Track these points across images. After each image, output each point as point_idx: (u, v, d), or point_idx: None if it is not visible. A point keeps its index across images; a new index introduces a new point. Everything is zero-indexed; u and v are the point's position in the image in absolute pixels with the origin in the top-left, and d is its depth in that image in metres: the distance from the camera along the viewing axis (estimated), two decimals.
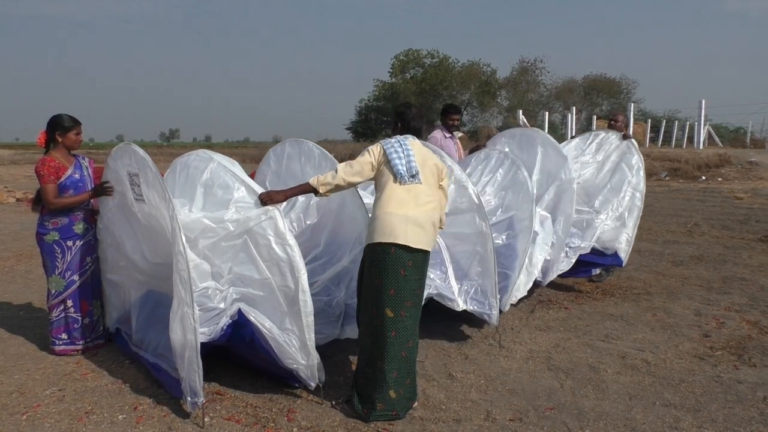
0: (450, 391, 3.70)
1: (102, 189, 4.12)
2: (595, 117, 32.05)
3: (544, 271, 5.25)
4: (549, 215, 5.34)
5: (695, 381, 3.80)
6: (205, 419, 3.30)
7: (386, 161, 3.42)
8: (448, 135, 6.22)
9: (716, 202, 12.34)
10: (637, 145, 6.17)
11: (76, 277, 4.19)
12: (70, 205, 4.13)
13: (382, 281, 3.29)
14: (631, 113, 23.04)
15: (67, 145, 4.14)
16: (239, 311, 3.49)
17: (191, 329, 3.16)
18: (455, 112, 6.31)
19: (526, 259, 4.78)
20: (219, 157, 3.86)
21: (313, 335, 3.38)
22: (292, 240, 3.38)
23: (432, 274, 4.32)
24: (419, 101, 46.80)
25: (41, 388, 3.74)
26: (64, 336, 4.22)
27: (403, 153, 3.43)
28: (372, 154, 3.43)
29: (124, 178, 3.91)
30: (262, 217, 3.43)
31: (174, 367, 3.50)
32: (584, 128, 34.42)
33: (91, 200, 4.25)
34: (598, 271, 6.16)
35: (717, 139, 25.19)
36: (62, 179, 4.08)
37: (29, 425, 3.27)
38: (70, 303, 4.19)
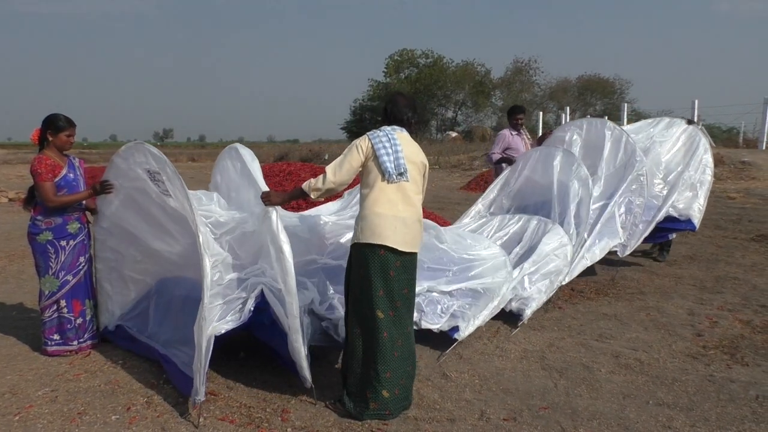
0: (444, 390, 3.70)
1: (102, 187, 4.15)
2: (589, 117, 32.12)
3: (624, 247, 6.01)
4: (627, 203, 6.09)
5: (688, 380, 3.81)
6: (200, 419, 3.29)
7: (374, 157, 3.33)
8: (514, 132, 7.00)
9: (709, 202, 12.35)
10: (700, 130, 7.04)
11: (70, 277, 4.17)
12: (70, 203, 4.12)
13: (372, 282, 3.28)
14: (625, 113, 23.11)
15: (57, 145, 4.11)
16: (262, 292, 3.53)
17: (199, 329, 3.23)
18: (519, 112, 7.09)
19: (582, 251, 5.63)
20: (244, 151, 3.97)
21: (300, 337, 3.36)
22: (285, 243, 3.38)
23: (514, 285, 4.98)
24: None
25: (33, 388, 3.72)
26: (56, 336, 4.20)
27: (392, 149, 3.33)
28: (360, 150, 3.34)
29: (142, 175, 3.93)
30: (266, 215, 3.49)
31: (183, 361, 3.63)
32: None
33: (85, 199, 4.25)
34: (674, 235, 6.95)
35: (710, 138, 25.25)
36: (58, 178, 4.06)
37: (21, 426, 3.25)
38: (63, 303, 4.17)
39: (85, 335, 4.30)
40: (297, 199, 3.62)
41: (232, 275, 3.60)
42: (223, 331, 3.39)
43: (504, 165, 6.83)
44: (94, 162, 28.47)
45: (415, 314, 4.20)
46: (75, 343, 4.24)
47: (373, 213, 3.28)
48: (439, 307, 4.51)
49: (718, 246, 7.96)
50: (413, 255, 3.41)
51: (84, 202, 4.25)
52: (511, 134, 6.96)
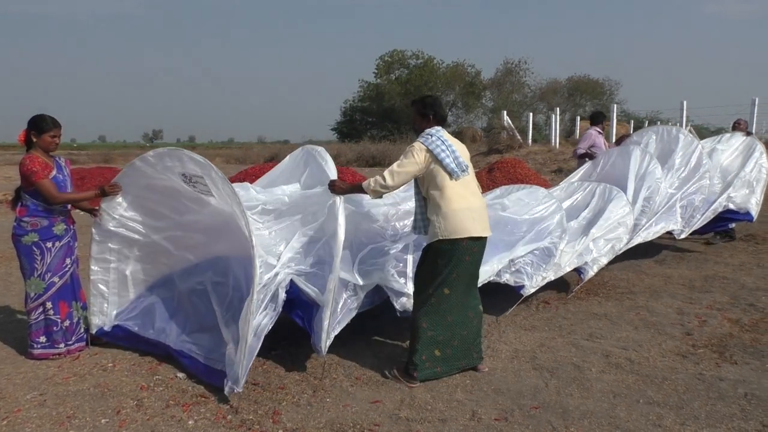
0: (435, 391, 3.70)
1: (111, 189, 4.22)
2: (578, 118, 32.22)
3: (680, 231, 6.94)
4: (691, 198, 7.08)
5: (678, 379, 3.83)
6: (190, 422, 3.28)
7: (435, 160, 3.66)
8: (601, 132, 8.09)
9: None
10: (757, 139, 8.25)
11: (56, 279, 4.13)
12: (74, 201, 4.17)
13: (451, 269, 3.70)
14: (614, 114, 23.19)
15: (41, 146, 4.07)
16: (291, 281, 3.90)
17: (246, 323, 3.48)
18: (606, 118, 8.59)
19: (639, 230, 6.47)
20: (318, 150, 4.50)
21: (329, 312, 3.73)
22: (341, 227, 3.81)
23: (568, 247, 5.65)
24: (404, 102, 46.85)
25: (22, 392, 3.68)
26: (42, 339, 4.16)
27: (448, 149, 3.68)
28: (417, 157, 3.66)
29: (173, 177, 4.04)
30: (330, 201, 3.98)
31: (204, 354, 3.89)
32: (568, 129, 34.59)
33: (75, 202, 4.22)
34: (733, 225, 8.01)
35: (699, 139, 25.46)
36: (50, 177, 4.03)
37: (10, 430, 3.21)
38: (49, 305, 4.12)
39: (73, 338, 4.26)
40: (356, 193, 3.99)
41: (270, 273, 3.87)
42: (270, 327, 3.72)
43: (586, 159, 7.79)
44: (83, 163, 28.27)
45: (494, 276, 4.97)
46: (62, 345, 4.20)
47: (452, 210, 3.65)
48: (511, 263, 5.16)
49: (707, 245, 8.02)
50: (486, 238, 3.84)
51: (69, 205, 4.21)
52: (598, 133, 8.00)
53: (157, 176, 4.13)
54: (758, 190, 7.68)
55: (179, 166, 3.94)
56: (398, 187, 3.78)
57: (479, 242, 3.78)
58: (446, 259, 3.69)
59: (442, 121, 3.87)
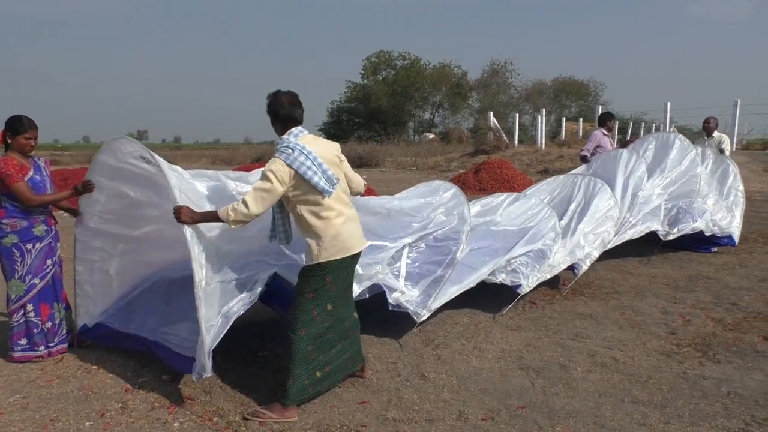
0: (422, 391, 3.71)
1: (84, 187, 4.10)
2: (564, 119, 32.46)
3: (666, 233, 7.16)
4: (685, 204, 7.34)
5: (662, 378, 3.87)
6: (175, 424, 3.26)
7: (301, 179, 3.25)
8: (606, 134, 8.24)
9: None
10: (728, 156, 8.57)
11: (36, 281, 4.07)
12: (50, 202, 4.09)
13: (349, 285, 3.67)
14: (598, 115, 23.46)
15: (16, 148, 4.02)
16: (275, 274, 3.82)
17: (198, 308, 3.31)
18: (612, 118, 8.61)
19: (625, 227, 6.73)
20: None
21: None
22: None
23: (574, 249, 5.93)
24: (391, 102, 46.97)
25: (4, 395, 3.63)
26: (23, 342, 4.11)
27: (314, 163, 3.27)
28: (281, 179, 3.21)
29: (136, 162, 3.88)
30: None
31: (176, 343, 3.83)
32: (554, 130, 34.82)
33: (51, 203, 4.16)
34: (716, 249, 7.83)
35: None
36: (25, 179, 3.98)
37: None
38: (30, 307, 4.07)
39: (55, 340, 4.21)
40: (211, 222, 3.42)
41: (234, 258, 3.75)
42: (242, 312, 3.57)
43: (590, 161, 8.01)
44: (66, 164, 27.96)
45: (489, 276, 5.13)
46: (42, 348, 4.14)
47: (330, 231, 3.37)
48: (507, 263, 5.33)
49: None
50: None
51: (50, 205, 4.16)
52: (603, 134, 8.18)
53: (122, 165, 3.97)
54: (738, 214, 7.88)
55: (137, 150, 3.80)
56: (262, 213, 3.29)
57: (358, 254, 3.59)
58: (332, 277, 3.43)
59: (290, 122, 3.42)
